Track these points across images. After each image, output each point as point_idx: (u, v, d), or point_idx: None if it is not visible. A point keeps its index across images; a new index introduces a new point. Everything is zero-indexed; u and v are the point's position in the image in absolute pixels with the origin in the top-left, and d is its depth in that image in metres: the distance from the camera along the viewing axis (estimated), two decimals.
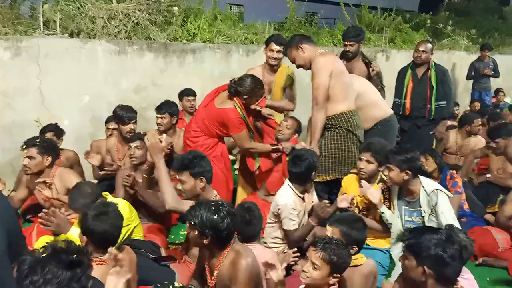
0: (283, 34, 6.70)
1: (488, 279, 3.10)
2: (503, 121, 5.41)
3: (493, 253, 3.31)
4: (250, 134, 3.57)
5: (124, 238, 2.79)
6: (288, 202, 2.96)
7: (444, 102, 4.62)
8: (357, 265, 2.39)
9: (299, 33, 3.47)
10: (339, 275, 2.13)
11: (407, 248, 1.93)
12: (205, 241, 2.13)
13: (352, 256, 2.33)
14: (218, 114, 3.47)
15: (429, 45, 4.68)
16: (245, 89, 3.40)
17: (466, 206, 3.83)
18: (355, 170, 3.40)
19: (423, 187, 2.92)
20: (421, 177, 2.99)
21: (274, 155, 3.75)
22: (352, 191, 3.30)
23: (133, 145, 3.32)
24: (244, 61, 5.51)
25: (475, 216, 3.82)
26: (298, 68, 3.57)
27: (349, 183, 3.37)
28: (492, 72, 8.07)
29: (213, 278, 2.22)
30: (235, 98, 3.44)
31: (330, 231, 2.42)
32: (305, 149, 3.27)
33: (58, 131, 3.83)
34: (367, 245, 3.15)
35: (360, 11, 8.30)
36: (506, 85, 9.65)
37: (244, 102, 3.46)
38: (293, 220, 2.93)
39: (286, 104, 4.17)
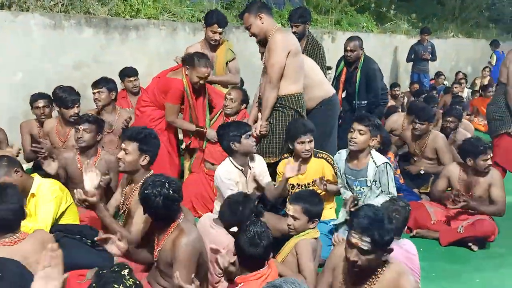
0: (232, 13, 6.63)
1: (421, 249, 3.30)
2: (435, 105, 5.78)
3: (426, 225, 3.53)
4: (189, 113, 3.67)
5: (56, 217, 2.71)
6: (223, 170, 2.99)
7: (365, 101, 4.72)
8: (316, 238, 2.56)
9: (259, 0, 3.34)
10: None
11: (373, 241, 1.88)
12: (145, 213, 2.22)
13: (313, 229, 2.55)
14: (165, 83, 3.60)
15: (357, 42, 4.68)
16: (187, 57, 3.54)
17: (401, 181, 4.06)
18: (287, 155, 3.40)
19: (373, 158, 3.05)
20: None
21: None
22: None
23: (81, 127, 3.14)
24: (191, 39, 5.38)
25: (410, 190, 4.07)
26: (250, 36, 3.46)
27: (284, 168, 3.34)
28: (430, 55, 8.49)
29: (156, 253, 2.24)
30: (183, 70, 3.56)
31: (291, 209, 2.55)
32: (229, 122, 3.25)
33: None
34: None
35: None
36: (442, 67, 10.21)
37: (187, 73, 3.54)
38: (231, 189, 2.92)
39: (230, 78, 4.23)
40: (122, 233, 2.32)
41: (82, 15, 4.71)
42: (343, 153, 3.22)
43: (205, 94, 3.80)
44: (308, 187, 3.27)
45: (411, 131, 4.33)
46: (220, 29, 3.92)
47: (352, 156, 3.12)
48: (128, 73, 4.51)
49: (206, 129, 3.78)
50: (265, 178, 3.18)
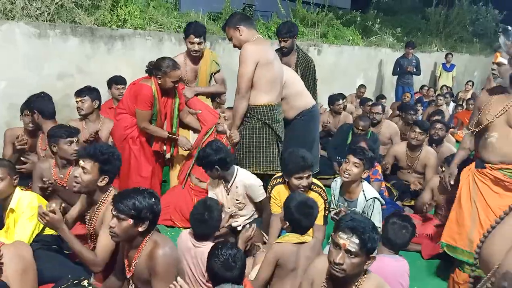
0: (219, 24, 6.67)
1: None
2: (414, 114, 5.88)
3: None
4: (154, 116, 3.71)
5: (34, 232, 2.65)
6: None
7: None
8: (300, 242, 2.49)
9: (240, 12, 3.35)
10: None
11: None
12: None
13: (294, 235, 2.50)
14: (135, 89, 3.63)
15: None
16: (158, 68, 3.56)
17: (386, 194, 4.09)
18: (280, 180, 3.20)
19: (363, 191, 3.08)
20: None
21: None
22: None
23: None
24: (177, 49, 5.37)
25: (394, 203, 4.11)
26: (234, 47, 3.48)
27: (281, 193, 3.13)
28: (414, 69, 8.65)
29: (131, 268, 2.17)
30: (153, 79, 3.61)
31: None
32: (213, 144, 3.12)
33: None
34: None
35: (295, 6, 8.46)
36: (425, 80, 10.39)
37: (160, 82, 3.59)
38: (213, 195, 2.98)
39: (217, 88, 4.29)
40: (84, 255, 2.26)
41: (68, 24, 4.68)
42: (338, 182, 3.25)
43: (174, 101, 3.81)
44: None
45: (407, 140, 4.40)
46: (196, 39, 3.90)
47: (346, 186, 3.14)
48: (116, 80, 4.57)
49: (178, 136, 3.82)
50: (255, 196, 3.17)
